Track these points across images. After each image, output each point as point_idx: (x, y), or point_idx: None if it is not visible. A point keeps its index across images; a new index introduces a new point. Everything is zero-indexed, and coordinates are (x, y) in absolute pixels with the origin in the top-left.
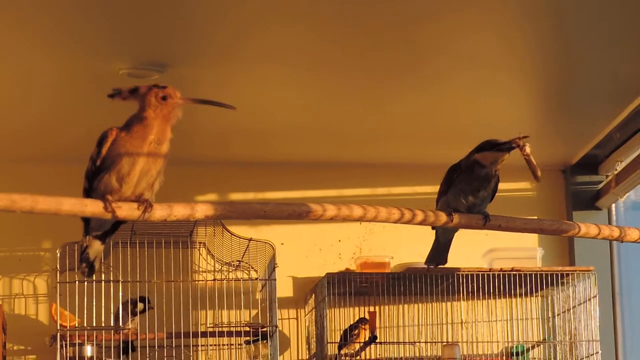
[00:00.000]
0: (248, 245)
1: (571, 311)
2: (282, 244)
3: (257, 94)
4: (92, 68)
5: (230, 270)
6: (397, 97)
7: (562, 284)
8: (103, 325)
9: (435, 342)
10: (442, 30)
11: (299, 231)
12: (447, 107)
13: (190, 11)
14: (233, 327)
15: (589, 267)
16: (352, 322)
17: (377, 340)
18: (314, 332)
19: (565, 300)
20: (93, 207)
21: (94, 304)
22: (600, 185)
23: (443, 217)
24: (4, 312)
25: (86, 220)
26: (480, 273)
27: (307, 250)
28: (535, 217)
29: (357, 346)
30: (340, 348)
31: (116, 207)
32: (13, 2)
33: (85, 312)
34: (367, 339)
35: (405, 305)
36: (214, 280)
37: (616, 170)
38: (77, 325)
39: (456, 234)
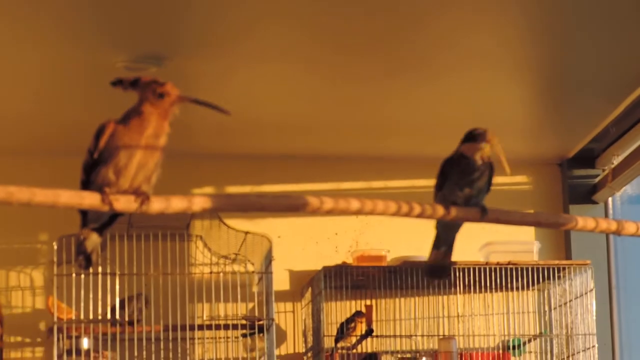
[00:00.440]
0: (245, 238)
1: (568, 305)
2: (278, 237)
3: (255, 86)
4: (90, 61)
5: (226, 263)
6: (394, 92)
7: (559, 277)
8: (100, 317)
9: (431, 336)
10: (439, 27)
11: (296, 224)
12: (444, 101)
13: (188, 4)
14: (230, 320)
15: (585, 260)
16: (348, 316)
17: (374, 334)
18: (311, 326)
19: (561, 293)
20: (91, 199)
21: (91, 296)
22: (597, 179)
23: (440, 210)
24: (1, 304)
25: (83, 213)
26: (476, 266)
27: (303, 244)
28: (532, 211)
29: (354, 339)
30: (336, 341)
31: (114, 200)
32: None
33: (82, 304)
34: (363, 332)
35: (402, 299)
36: (211, 273)
37: (613, 164)
38: (73, 317)
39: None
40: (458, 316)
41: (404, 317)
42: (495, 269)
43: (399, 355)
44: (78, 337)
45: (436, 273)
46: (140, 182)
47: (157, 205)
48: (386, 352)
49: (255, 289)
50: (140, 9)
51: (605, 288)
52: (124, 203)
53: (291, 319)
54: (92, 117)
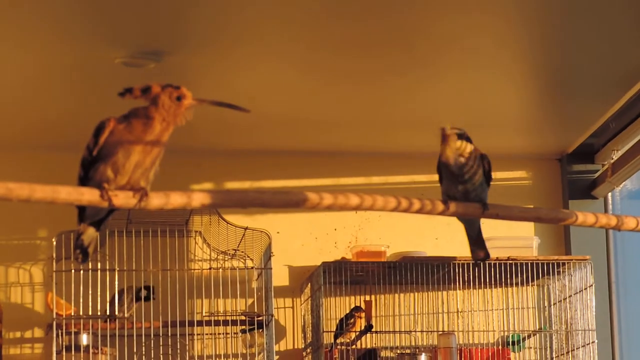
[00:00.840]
0: (244, 234)
1: (567, 300)
2: (278, 232)
3: (255, 82)
4: (89, 57)
5: (226, 259)
6: (395, 89)
7: (558, 273)
8: (99, 314)
9: (431, 331)
10: (439, 27)
11: (295, 220)
12: (444, 95)
13: (188, 0)
14: (229, 316)
15: (585, 256)
16: (348, 311)
17: (373, 329)
18: (310, 321)
19: (561, 289)
20: (90, 195)
21: (90, 292)
22: (597, 174)
23: (439, 206)
24: (0, 300)
25: (81, 208)
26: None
27: (303, 239)
28: (532, 206)
29: (353, 335)
30: (336, 337)
31: (112, 196)
32: None
33: (81, 300)
34: (362, 328)
35: (401, 294)
36: (210, 269)
37: (612, 159)
38: (73, 314)
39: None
40: (457, 312)
41: (403, 313)
42: (494, 264)
43: (399, 351)
44: (77, 333)
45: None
46: (138, 178)
47: (156, 201)
48: (385, 348)
49: (254, 285)
50: (139, 5)
51: (605, 283)
52: (123, 199)
53: (290, 314)
54: (91, 113)
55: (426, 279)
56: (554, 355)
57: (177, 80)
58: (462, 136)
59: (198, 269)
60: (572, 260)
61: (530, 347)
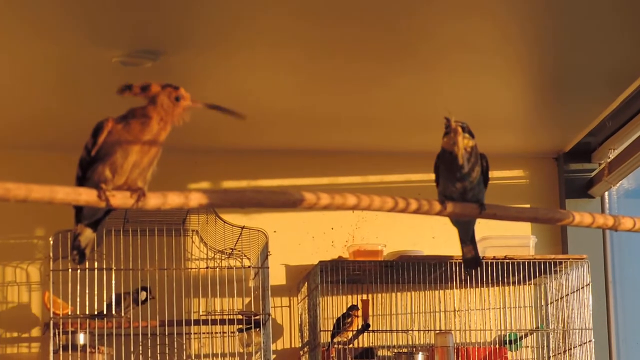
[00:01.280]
0: (241, 233)
1: (564, 299)
2: (274, 231)
3: (251, 80)
4: (86, 56)
5: (223, 258)
6: (390, 84)
7: (555, 272)
8: (96, 313)
9: (428, 330)
10: (435, 15)
11: (292, 219)
12: (441, 94)
13: None
14: (226, 315)
15: (582, 255)
16: (345, 310)
17: (370, 328)
18: (307, 320)
19: (558, 288)
20: (87, 195)
21: (87, 292)
22: (593, 173)
23: (436, 206)
24: None
25: (78, 208)
26: None
27: (299, 238)
28: (528, 205)
29: (350, 334)
30: (333, 336)
31: (110, 196)
32: None
33: (78, 300)
34: (360, 327)
35: (398, 293)
36: (207, 268)
37: (609, 158)
38: (70, 313)
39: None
40: (454, 311)
41: (400, 312)
42: (491, 263)
43: (396, 350)
44: (74, 333)
45: (470, 265)
46: (136, 178)
47: (153, 201)
48: (382, 347)
49: (251, 284)
50: (137, 4)
51: (602, 282)
52: (121, 199)
53: (287, 313)
54: (89, 112)
55: (423, 278)
56: (551, 354)
57: (174, 79)
58: (465, 129)
59: (195, 268)
60: (569, 259)
61: (527, 346)
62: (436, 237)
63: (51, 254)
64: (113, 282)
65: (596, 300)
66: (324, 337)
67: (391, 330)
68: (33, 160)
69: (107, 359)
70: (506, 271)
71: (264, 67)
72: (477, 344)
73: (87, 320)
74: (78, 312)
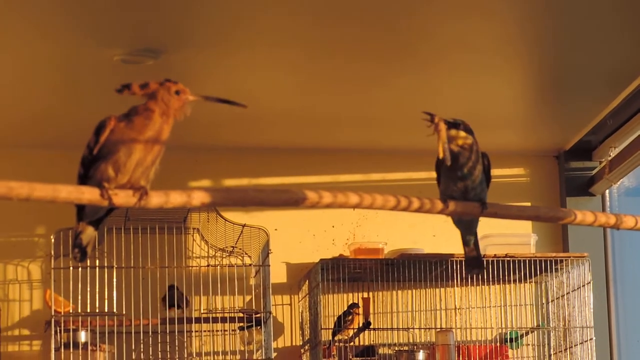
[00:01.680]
0: (242, 231)
1: (565, 297)
2: (275, 229)
3: (252, 79)
4: (87, 54)
5: (224, 256)
6: (390, 83)
7: (556, 270)
8: (97, 311)
9: (428, 328)
10: (435, 15)
11: (293, 217)
12: (441, 93)
13: None
14: (227, 313)
15: (583, 253)
16: (346, 308)
17: (371, 326)
18: (308, 318)
19: (559, 286)
20: (90, 194)
21: (88, 289)
22: (594, 171)
23: (439, 205)
24: None
25: (80, 207)
26: None
27: (300, 236)
28: (529, 203)
29: (351, 332)
30: (334, 334)
31: (113, 195)
32: None
33: (79, 297)
34: (360, 325)
35: (399, 291)
36: (208, 266)
37: (610, 156)
38: (71, 311)
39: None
40: (455, 309)
41: (401, 310)
42: (492, 261)
43: (396, 348)
44: (75, 330)
45: (472, 266)
46: (139, 177)
47: (156, 199)
48: (383, 345)
49: (252, 282)
50: (137, 3)
51: (603, 280)
52: (123, 198)
53: (288, 311)
54: (90, 110)
55: (424, 276)
56: (551, 352)
57: (175, 77)
58: (458, 125)
59: (196, 266)
60: (569, 257)
61: (528, 344)
62: (437, 235)
63: (52, 252)
64: (114, 280)
65: (597, 299)
66: (325, 335)
67: (392, 328)
68: (35, 159)
69: (108, 356)
70: (507, 269)
71: (265, 66)
72: (478, 342)
73: (89, 318)
74: (79, 310)
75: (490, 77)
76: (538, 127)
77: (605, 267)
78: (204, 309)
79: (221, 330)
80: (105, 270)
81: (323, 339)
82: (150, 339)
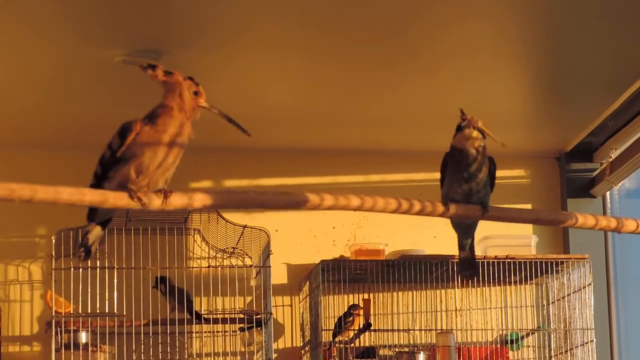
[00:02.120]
0: (242, 232)
1: (566, 299)
2: (276, 230)
3: (253, 80)
4: (88, 55)
5: (224, 257)
6: (392, 85)
7: (557, 271)
8: (98, 311)
9: (429, 330)
10: (436, 19)
11: (294, 218)
12: (442, 94)
13: None
14: (227, 314)
15: (583, 255)
16: (346, 310)
17: (372, 328)
18: (309, 319)
19: (559, 288)
20: (91, 196)
21: (89, 290)
22: (595, 173)
23: (440, 208)
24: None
25: (92, 208)
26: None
27: (301, 237)
28: (530, 205)
29: (352, 333)
30: (334, 335)
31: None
32: None
33: (80, 298)
34: (361, 326)
35: (400, 293)
36: (209, 267)
37: (611, 157)
38: (72, 311)
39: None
40: (456, 310)
41: (401, 311)
42: (493, 263)
43: (397, 349)
44: (76, 331)
45: (465, 269)
46: (158, 179)
47: (158, 201)
48: (384, 346)
49: (253, 283)
50: (138, 3)
51: (604, 282)
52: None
53: (289, 312)
54: (90, 111)
55: (424, 277)
56: (552, 354)
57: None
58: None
59: (197, 267)
60: (570, 259)
61: (529, 346)
62: (437, 236)
63: (53, 253)
64: (115, 280)
65: (598, 300)
66: (326, 337)
67: (392, 330)
68: (35, 159)
69: (108, 357)
70: (508, 271)
71: (267, 68)
72: (478, 344)
73: (89, 319)
74: (80, 311)
75: (491, 79)
76: (539, 129)
77: (606, 268)
78: (204, 310)
79: (222, 331)
80: (106, 271)
81: (323, 340)
82: (151, 339)
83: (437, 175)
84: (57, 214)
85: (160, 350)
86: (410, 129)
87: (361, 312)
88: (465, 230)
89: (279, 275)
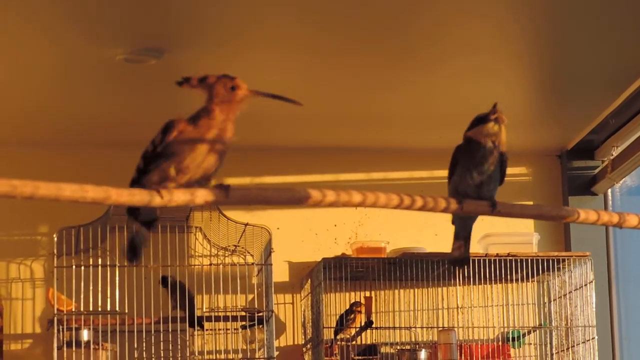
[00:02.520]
0: (244, 230)
1: (567, 296)
2: (278, 228)
3: (254, 79)
4: (90, 53)
5: (226, 255)
6: (393, 83)
7: (558, 269)
8: (100, 309)
9: (431, 327)
10: (438, 16)
11: (295, 216)
12: (443, 92)
13: None
14: (229, 312)
15: (585, 252)
16: (348, 307)
17: (373, 325)
18: (310, 317)
19: (561, 285)
20: (94, 193)
21: (91, 288)
22: (596, 171)
23: (442, 203)
24: (1, 296)
25: (133, 209)
26: (476, 258)
27: (303, 235)
28: (531, 202)
29: (353, 331)
30: (336, 333)
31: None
32: None
33: (82, 296)
34: (363, 323)
35: (401, 290)
36: (210, 265)
37: (612, 155)
38: (73, 309)
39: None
40: (457, 308)
41: (403, 309)
42: (494, 260)
43: (399, 347)
44: (78, 329)
45: (457, 262)
46: (198, 178)
47: (158, 200)
48: (385, 344)
49: (254, 281)
50: (140, 2)
51: (605, 280)
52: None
53: (290, 310)
54: (92, 109)
55: (426, 275)
56: (554, 352)
57: (178, 77)
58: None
59: (198, 265)
60: (572, 256)
61: (530, 343)
62: (439, 234)
63: (55, 251)
64: (117, 278)
65: (599, 298)
66: (327, 334)
67: (394, 327)
68: (37, 158)
69: (110, 355)
70: (509, 268)
71: (269, 65)
72: (480, 341)
73: (91, 317)
74: (82, 309)
75: (492, 78)
76: (540, 127)
77: (608, 266)
78: (206, 308)
79: (223, 329)
80: (108, 269)
81: (325, 338)
82: (153, 337)
83: (439, 172)
84: (59, 212)
85: (162, 348)
86: (411, 127)
87: (363, 309)
88: (464, 223)
89: (280, 273)
